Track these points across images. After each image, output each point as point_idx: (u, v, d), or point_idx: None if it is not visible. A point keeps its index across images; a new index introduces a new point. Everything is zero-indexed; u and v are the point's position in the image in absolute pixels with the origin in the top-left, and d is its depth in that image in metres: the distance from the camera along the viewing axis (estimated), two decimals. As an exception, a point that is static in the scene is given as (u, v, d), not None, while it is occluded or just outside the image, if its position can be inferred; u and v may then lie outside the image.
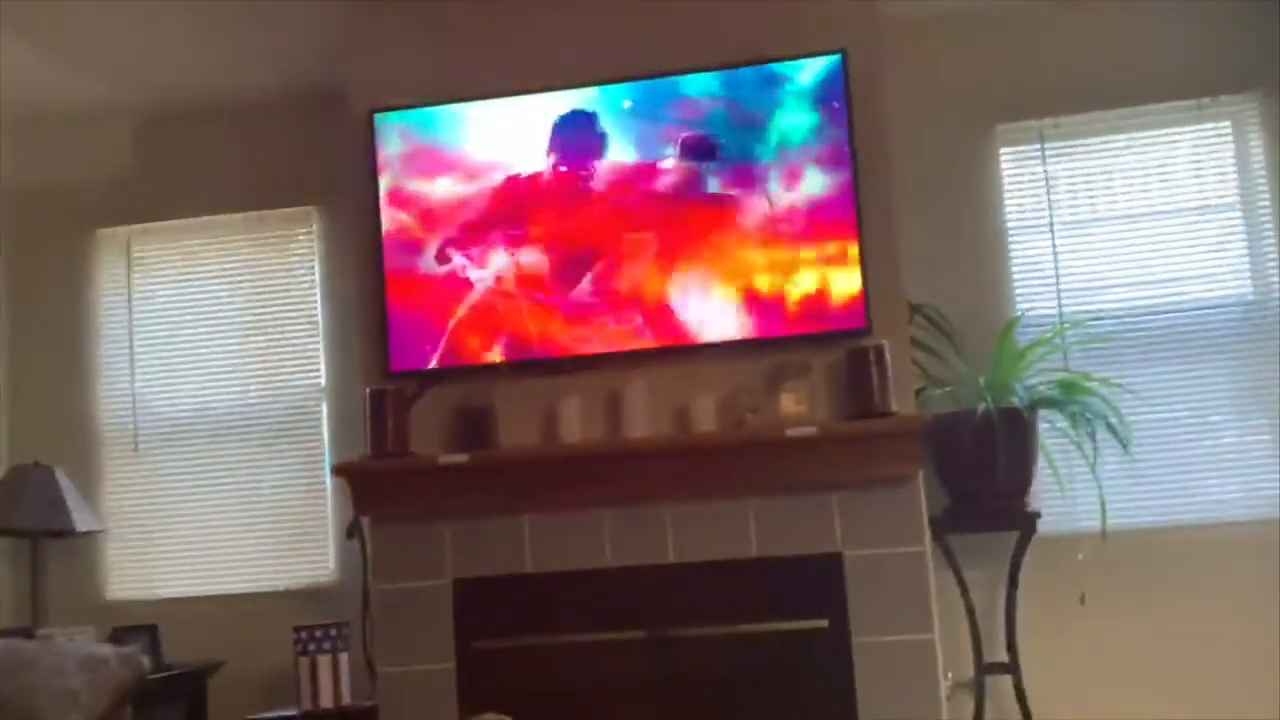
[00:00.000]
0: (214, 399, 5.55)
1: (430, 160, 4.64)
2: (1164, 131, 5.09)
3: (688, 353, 4.47)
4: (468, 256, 4.59)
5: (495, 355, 4.54)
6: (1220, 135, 5.06)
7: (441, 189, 4.62)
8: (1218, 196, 5.02)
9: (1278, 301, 4.94)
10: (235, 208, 5.58)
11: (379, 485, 4.49)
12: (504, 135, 4.61)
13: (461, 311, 4.58)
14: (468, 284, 4.58)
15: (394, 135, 4.67)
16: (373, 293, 4.66)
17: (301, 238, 5.57)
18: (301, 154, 5.51)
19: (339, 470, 4.58)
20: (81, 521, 5.19)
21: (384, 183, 4.65)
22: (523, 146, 4.60)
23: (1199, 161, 5.06)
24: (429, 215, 4.63)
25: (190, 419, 5.55)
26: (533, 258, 4.56)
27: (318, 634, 4.83)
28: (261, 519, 5.45)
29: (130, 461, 5.56)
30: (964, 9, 5.12)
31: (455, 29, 4.78)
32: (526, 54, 4.71)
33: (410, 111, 4.68)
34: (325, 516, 5.38)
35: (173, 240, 5.67)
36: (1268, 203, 4.98)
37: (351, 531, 4.68)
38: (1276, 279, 4.94)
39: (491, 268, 4.58)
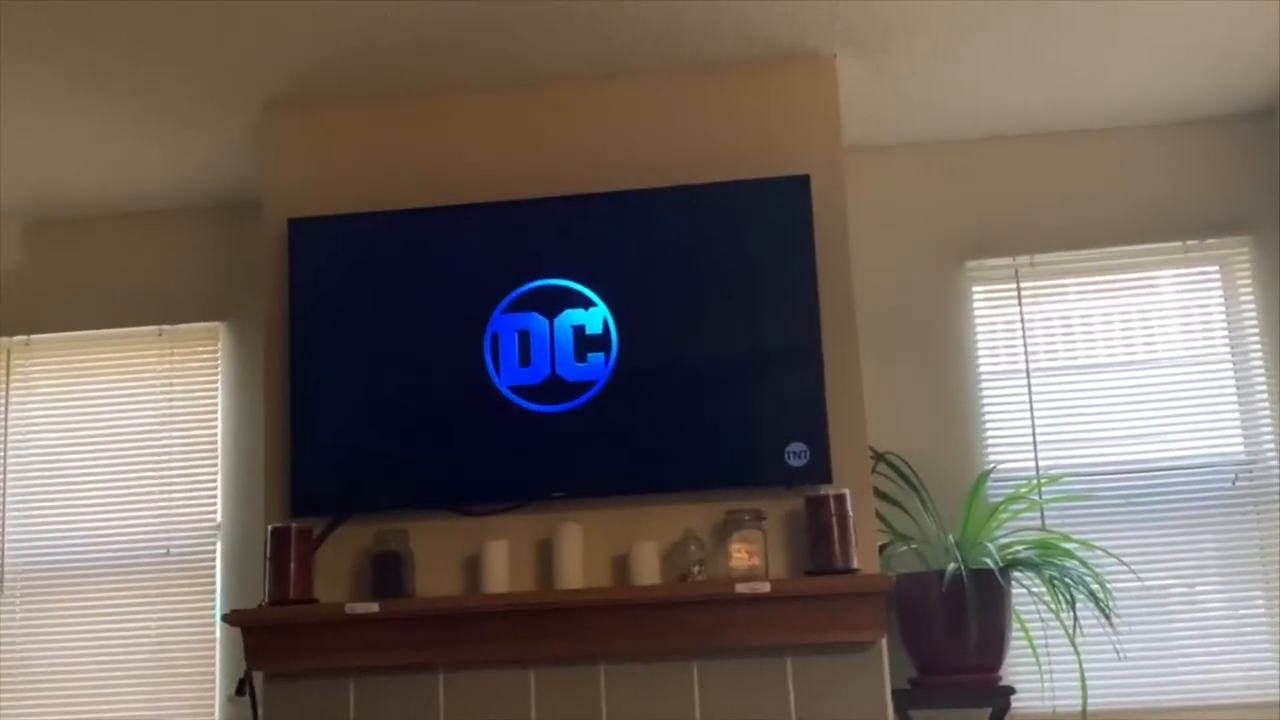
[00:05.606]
0: (93, 535, 5.12)
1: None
2: (1147, 274, 4.90)
3: (629, 496, 4.14)
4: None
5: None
6: (1208, 281, 4.87)
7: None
8: (1205, 346, 4.81)
9: (1273, 462, 4.67)
10: (132, 321, 5.23)
11: (277, 636, 4.11)
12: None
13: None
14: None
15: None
16: (280, 417, 4.32)
17: (205, 356, 5.23)
18: (210, 265, 5.21)
19: (231, 618, 4.17)
20: (-66, 670, 4.72)
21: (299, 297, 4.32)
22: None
23: (1185, 308, 4.86)
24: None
25: (65, 557, 5.11)
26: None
27: (197, 807, 4.44)
28: (139, 672, 5.00)
29: (-7, 603, 5.14)
30: (931, 137, 4.95)
31: (375, 137, 4.54)
32: (453, 167, 4.48)
33: (330, 220, 4.36)
34: (212, 671, 4.96)
35: (59, 354, 5.29)
36: (1260, 355, 4.76)
37: (242, 689, 4.25)
38: (1271, 438, 4.68)
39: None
